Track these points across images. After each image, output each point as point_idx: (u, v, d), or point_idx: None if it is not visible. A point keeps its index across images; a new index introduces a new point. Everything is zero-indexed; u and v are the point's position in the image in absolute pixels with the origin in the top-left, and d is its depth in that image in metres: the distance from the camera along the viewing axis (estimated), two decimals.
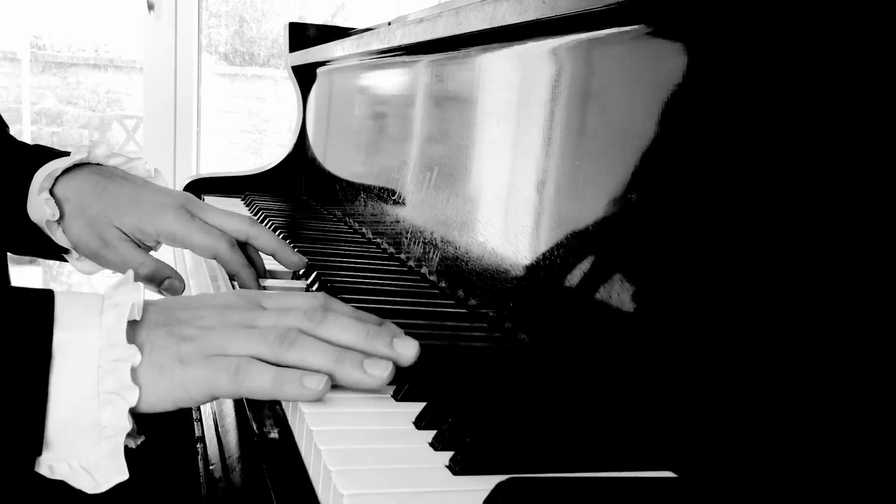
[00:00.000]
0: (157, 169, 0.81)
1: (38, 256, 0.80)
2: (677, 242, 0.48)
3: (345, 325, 0.50)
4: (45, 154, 0.77)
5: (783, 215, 0.40)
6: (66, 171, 0.75)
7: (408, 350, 0.50)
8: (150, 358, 0.45)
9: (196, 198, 0.76)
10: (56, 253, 0.78)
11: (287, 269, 0.80)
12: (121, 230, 0.73)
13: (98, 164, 0.77)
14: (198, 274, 0.87)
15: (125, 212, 0.72)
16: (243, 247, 0.75)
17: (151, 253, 0.76)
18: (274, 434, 0.50)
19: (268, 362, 0.47)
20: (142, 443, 0.47)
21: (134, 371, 0.44)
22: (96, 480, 0.44)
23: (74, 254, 0.77)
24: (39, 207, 0.73)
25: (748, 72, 0.43)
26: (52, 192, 0.74)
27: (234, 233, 0.74)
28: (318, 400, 0.47)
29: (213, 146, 2.79)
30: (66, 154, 0.76)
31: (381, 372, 0.48)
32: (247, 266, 0.73)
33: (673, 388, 0.46)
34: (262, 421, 0.52)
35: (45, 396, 0.42)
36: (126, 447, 0.45)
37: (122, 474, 0.44)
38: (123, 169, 0.78)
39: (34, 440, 0.42)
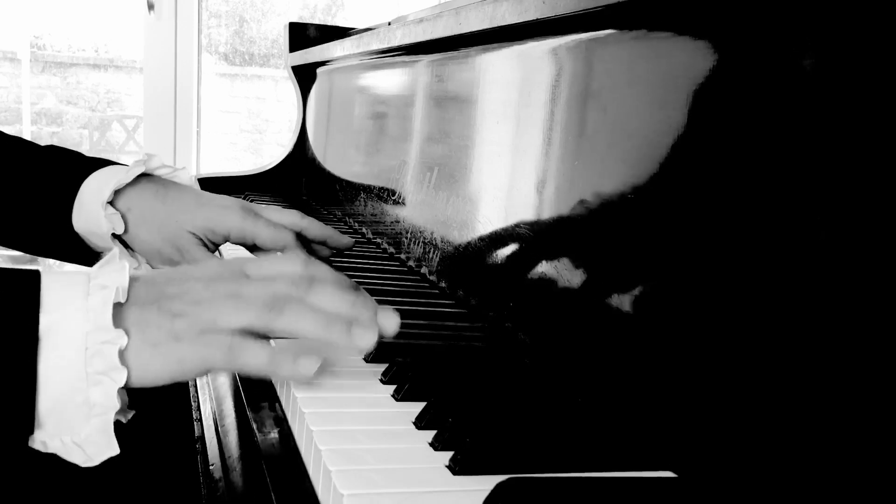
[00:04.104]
0: (194, 177, 0.83)
1: (76, 263, 0.79)
2: (677, 243, 0.48)
3: (331, 294, 0.51)
4: (84, 162, 0.77)
5: (783, 216, 0.40)
6: None
7: (390, 322, 0.52)
8: (143, 336, 0.46)
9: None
10: (94, 260, 0.78)
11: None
12: (193, 234, 0.75)
13: (149, 175, 0.78)
14: None
15: (194, 215, 0.75)
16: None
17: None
18: (274, 434, 0.50)
19: (259, 332, 0.48)
20: (140, 437, 0.48)
21: (123, 352, 0.45)
22: (88, 454, 0.45)
23: (136, 262, 0.77)
24: (94, 221, 0.73)
25: (748, 72, 0.43)
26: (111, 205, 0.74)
27: (289, 226, 0.77)
28: (309, 380, 0.49)
29: (213, 146, 2.79)
30: (86, 158, 0.76)
31: (368, 340, 0.50)
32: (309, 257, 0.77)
33: (672, 389, 0.46)
34: (262, 421, 0.52)
35: (34, 379, 0.43)
36: (118, 422, 0.46)
37: (112, 450, 0.45)
38: (169, 178, 0.80)
39: (26, 421, 0.43)
